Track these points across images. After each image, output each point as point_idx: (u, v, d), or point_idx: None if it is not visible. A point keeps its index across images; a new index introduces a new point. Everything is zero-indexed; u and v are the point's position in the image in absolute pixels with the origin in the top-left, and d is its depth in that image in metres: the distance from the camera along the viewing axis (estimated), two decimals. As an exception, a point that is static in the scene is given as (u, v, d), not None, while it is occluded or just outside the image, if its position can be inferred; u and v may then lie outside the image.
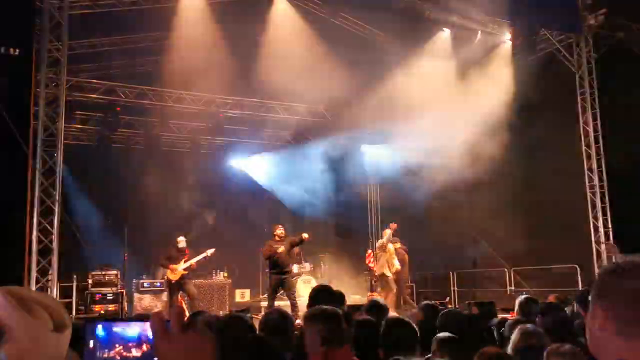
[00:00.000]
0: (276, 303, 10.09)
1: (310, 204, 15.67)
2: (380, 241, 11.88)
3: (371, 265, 13.10)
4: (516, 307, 5.50)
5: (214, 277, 13.17)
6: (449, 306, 7.29)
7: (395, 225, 11.99)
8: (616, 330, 1.25)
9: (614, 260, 5.58)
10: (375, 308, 4.24)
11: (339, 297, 4.50)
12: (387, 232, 11.70)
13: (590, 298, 1.37)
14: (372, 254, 13.34)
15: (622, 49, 11.13)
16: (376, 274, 11.73)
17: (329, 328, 2.91)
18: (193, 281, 11.33)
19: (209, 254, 11.07)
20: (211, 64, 12.03)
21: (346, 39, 13.15)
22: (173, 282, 10.78)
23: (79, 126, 13.54)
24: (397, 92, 13.32)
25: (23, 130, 8.33)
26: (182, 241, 11.10)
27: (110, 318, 3.77)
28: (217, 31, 11.74)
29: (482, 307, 6.33)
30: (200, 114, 14.52)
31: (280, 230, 10.61)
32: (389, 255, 11.46)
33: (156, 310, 12.10)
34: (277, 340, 2.67)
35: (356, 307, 5.36)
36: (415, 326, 3.24)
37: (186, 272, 10.77)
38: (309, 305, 4.12)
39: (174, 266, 10.76)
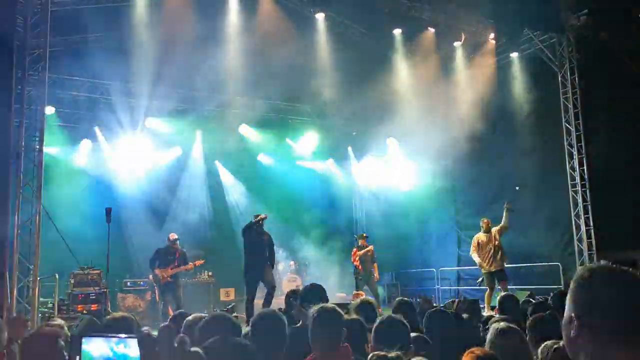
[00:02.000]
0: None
1: (295, 200, 15.65)
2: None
3: (356, 263, 13.07)
4: (497, 305, 5.58)
5: (198, 276, 13.10)
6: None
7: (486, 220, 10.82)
8: (590, 337, 1.30)
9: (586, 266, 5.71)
10: (365, 307, 4.23)
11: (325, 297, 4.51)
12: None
13: (566, 303, 1.39)
14: (357, 252, 13.31)
15: (605, 49, 11.25)
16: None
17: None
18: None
19: (196, 264, 11.17)
20: (195, 60, 11.96)
21: (330, 38, 13.11)
22: (162, 283, 10.74)
23: (61, 124, 13.33)
24: (382, 91, 13.35)
25: (4, 128, 8.21)
26: (173, 235, 11.09)
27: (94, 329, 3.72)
28: (201, 27, 11.62)
29: (467, 305, 6.38)
30: (184, 111, 14.44)
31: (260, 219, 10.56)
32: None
33: (140, 310, 12.03)
34: (270, 341, 2.66)
35: (342, 306, 5.34)
36: (407, 324, 3.24)
37: (171, 280, 10.72)
38: (302, 303, 4.12)
39: (159, 271, 10.67)
